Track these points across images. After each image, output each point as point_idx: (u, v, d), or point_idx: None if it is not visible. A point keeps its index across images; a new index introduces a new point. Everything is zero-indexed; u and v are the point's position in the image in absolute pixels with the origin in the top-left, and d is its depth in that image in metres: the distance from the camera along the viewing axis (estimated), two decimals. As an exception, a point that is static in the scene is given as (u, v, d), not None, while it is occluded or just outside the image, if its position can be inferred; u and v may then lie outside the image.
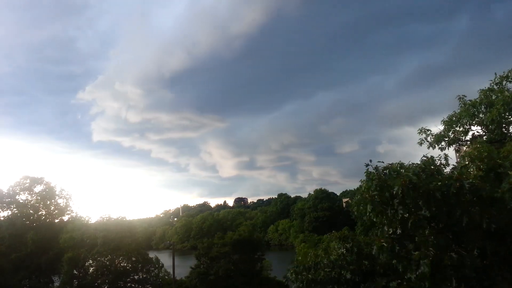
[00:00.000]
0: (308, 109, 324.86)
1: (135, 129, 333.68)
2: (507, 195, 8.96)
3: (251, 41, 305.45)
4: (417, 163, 9.79)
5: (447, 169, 10.96)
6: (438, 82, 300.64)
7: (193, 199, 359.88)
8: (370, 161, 9.43)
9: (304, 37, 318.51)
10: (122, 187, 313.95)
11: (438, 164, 11.36)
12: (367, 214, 9.00)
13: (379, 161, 9.37)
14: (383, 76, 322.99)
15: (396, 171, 8.93)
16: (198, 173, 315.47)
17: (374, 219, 9.09)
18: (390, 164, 9.51)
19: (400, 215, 8.33)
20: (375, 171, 9.08)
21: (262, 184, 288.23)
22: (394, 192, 8.23)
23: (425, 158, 9.61)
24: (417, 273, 7.97)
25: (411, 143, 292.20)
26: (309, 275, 11.01)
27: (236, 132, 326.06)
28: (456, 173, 9.20)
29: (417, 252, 8.04)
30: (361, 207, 9.17)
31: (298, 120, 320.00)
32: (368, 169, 9.30)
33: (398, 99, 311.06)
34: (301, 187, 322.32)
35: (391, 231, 8.79)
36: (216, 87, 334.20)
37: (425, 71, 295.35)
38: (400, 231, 8.73)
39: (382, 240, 8.80)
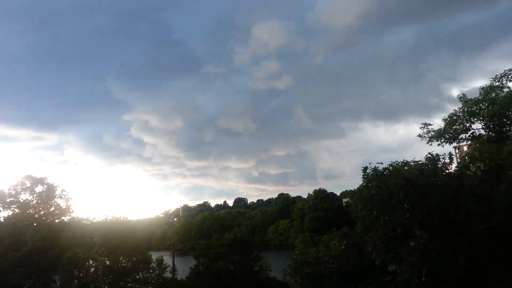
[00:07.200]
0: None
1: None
2: (505, 196, 8.96)
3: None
4: (418, 162, 9.78)
5: (452, 167, 10.98)
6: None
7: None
8: (369, 164, 9.46)
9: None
10: (119, 187, 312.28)
11: (442, 162, 11.39)
12: (363, 213, 9.00)
13: (378, 162, 9.36)
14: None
15: (397, 169, 8.96)
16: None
17: (368, 220, 9.12)
18: (391, 162, 9.52)
19: (396, 215, 8.32)
20: (374, 172, 9.10)
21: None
22: (392, 188, 8.21)
23: (429, 156, 9.61)
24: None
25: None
26: (308, 270, 11.04)
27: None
28: (454, 172, 9.21)
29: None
30: (359, 207, 9.18)
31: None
32: (366, 172, 9.31)
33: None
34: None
35: (387, 232, 8.83)
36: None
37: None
38: (395, 233, 8.76)
39: (377, 241, 8.85)
